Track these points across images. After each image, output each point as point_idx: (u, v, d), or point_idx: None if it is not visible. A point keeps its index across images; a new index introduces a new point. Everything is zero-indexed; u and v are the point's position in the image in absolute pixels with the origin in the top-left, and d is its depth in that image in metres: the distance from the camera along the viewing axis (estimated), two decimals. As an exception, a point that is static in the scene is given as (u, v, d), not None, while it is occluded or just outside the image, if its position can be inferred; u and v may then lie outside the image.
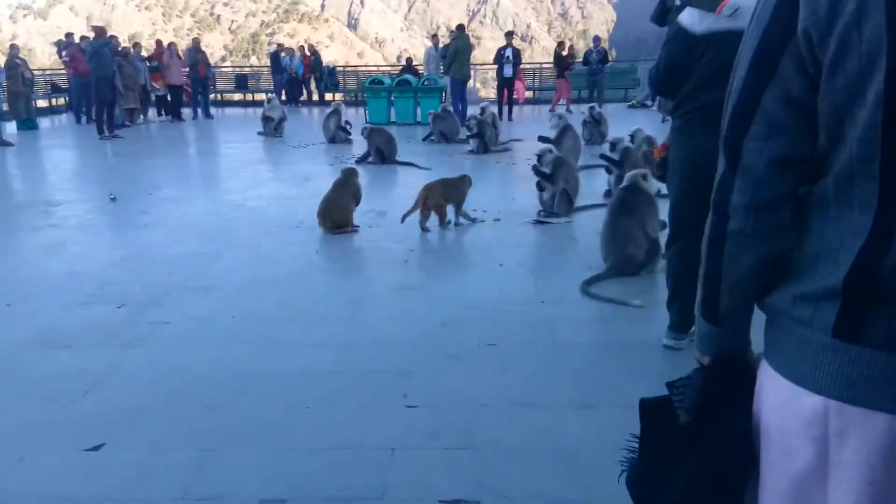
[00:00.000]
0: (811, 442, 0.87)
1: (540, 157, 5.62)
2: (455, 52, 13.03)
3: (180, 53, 14.98)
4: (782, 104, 0.85)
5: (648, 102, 16.20)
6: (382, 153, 8.62)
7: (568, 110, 15.41)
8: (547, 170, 5.57)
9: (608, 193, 6.38)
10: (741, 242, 0.92)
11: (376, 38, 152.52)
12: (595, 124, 9.92)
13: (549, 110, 15.65)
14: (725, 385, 1.04)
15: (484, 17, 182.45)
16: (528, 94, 17.57)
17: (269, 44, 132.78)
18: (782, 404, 0.91)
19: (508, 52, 14.15)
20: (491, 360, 3.04)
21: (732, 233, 0.92)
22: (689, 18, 2.66)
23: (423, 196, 5.24)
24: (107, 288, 4.10)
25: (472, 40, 13.59)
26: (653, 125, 11.54)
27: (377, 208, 6.04)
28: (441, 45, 15.30)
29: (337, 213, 5.17)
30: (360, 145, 10.32)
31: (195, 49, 14.64)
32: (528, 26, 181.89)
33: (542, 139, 8.23)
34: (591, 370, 2.94)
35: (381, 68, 29.57)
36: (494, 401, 2.68)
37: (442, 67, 14.96)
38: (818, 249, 0.87)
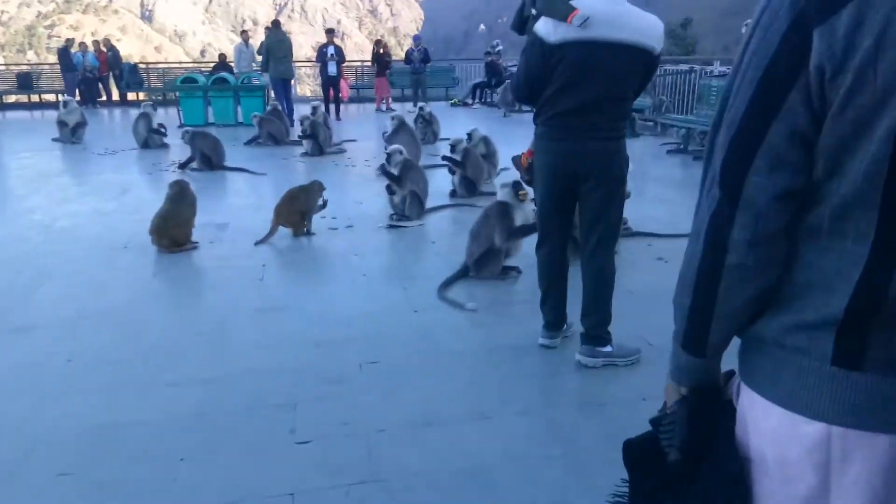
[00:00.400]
0: (813, 469, 0.89)
1: (388, 157, 5.54)
2: (268, 49, 12.49)
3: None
4: (788, 138, 0.86)
5: (469, 101, 16.81)
6: (209, 159, 8.01)
7: (389, 109, 15.51)
8: (395, 171, 5.52)
9: (454, 193, 6.50)
10: (742, 276, 0.92)
11: (175, 31, 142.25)
12: (426, 123, 10.05)
13: (377, 110, 15.70)
14: (709, 414, 1.05)
15: (292, 11, 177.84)
16: (353, 92, 17.38)
17: (50, 37, 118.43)
18: (779, 433, 0.92)
19: (331, 50, 13.87)
20: (377, 381, 2.92)
21: (732, 267, 0.92)
22: (545, 28, 2.74)
23: (276, 220, 5.07)
24: None
25: (286, 35, 13.00)
26: (484, 122, 11.98)
27: (215, 220, 5.60)
28: (251, 41, 14.64)
29: (175, 230, 4.70)
30: (178, 150, 9.55)
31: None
32: (339, 22, 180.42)
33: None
34: (479, 379, 2.93)
35: (188, 65, 27.59)
36: (390, 424, 2.57)
37: (255, 65, 14.33)
38: (809, 279, 0.89)
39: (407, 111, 15.08)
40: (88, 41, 17.56)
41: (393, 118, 8.37)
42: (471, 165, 6.42)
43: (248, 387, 2.88)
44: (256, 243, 4.97)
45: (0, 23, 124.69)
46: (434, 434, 2.50)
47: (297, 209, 5.14)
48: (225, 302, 3.85)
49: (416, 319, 3.58)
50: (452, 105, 16.53)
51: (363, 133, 11.33)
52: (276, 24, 12.90)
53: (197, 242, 4.89)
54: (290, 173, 8.08)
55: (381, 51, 15.47)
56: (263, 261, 4.60)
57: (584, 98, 2.74)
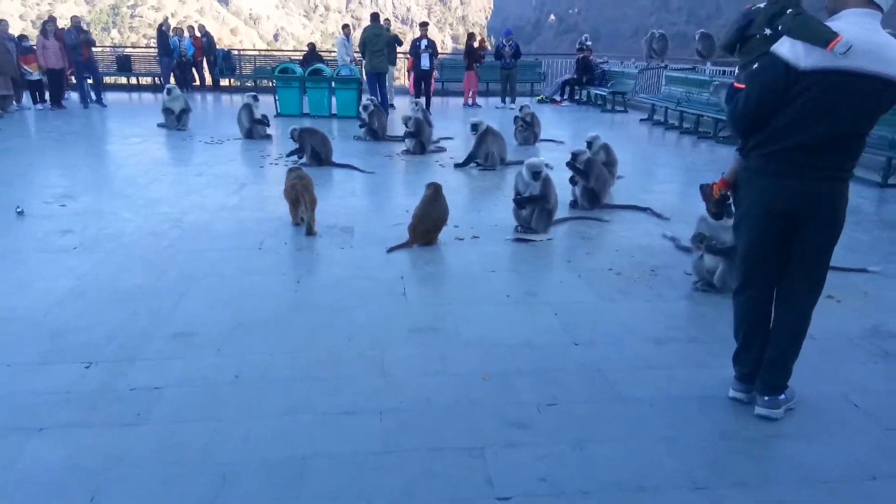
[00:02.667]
0: None
1: (535, 172, 5.31)
2: (364, 42, 12.47)
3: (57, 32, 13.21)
4: None
5: (557, 98, 16.44)
6: (319, 155, 7.99)
7: (474, 104, 15.31)
8: (537, 192, 5.31)
9: (574, 204, 6.26)
10: None
11: (250, 14, 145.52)
12: (527, 126, 9.79)
13: (464, 105, 15.52)
14: None
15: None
16: (437, 85, 17.25)
17: (132, 17, 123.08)
18: None
19: (425, 43, 13.75)
20: (562, 428, 2.73)
21: None
22: (792, 51, 2.46)
23: (413, 239, 5.06)
24: (61, 339, 3.37)
25: (383, 29, 12.90)
26: (582, 124, 11.65)
27: (340, 223, 5.54)
28: (351, 34, 14.65)
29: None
30: (281, 140, 9.62)
31: (76, 28, 12.97)
32: (408, 10, 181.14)
33: (463, 162, 8.00)
34: (675, 436, 2.70)
35: (278, 53, 28.00)
36: (594, 486, 2.37)
37: (348, 58, 14.33)
38: None
39: (495, 107, 14.94)
40: (186, 27, 17.93)
41: (477, 125, 8.13)
42: (595, 176, 6.16)
43: (429, 422, 2.74)
44: (389, 251, 4.87)
45: (86, 1, 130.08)
46: (649, 503, 2.30)
47: (433, 226, 5.04)
48: (375, 318, 3.73)
49: (580, 354, 3.38)
50: (540, 102, 16.20)
51: (457, 129, 11.16)
52: (374, 16, 12.84)
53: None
54: (397, 173, 8.00)
55: (476, 44, 15.24)
56: (400, 272, 4.48)
57: (824, 133, 2.48)
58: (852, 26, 2.40)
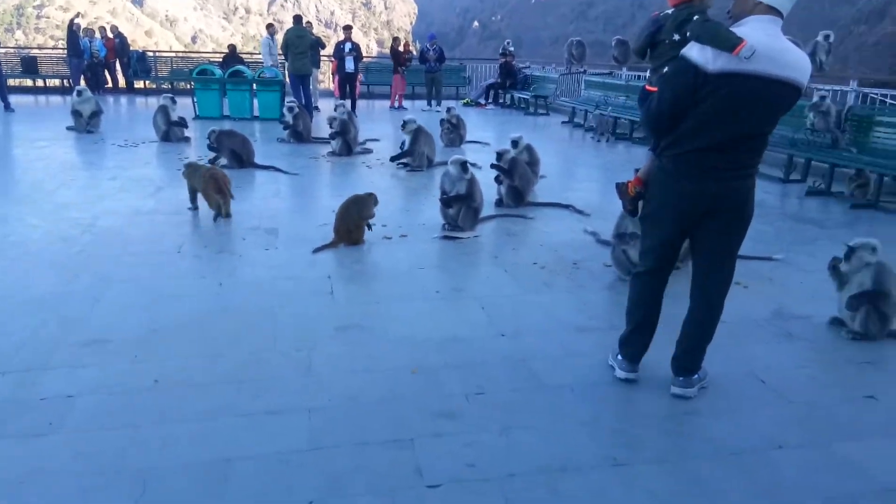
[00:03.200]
0: None
1: (462, 164, 5.37)
2: (287, 44, 12.27)
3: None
4: None
5: (482, 101, 16.67)
6: (240, 156, 7.80)
7: (401, 107, 15.35)
8: (463, 190, 5.37)
9: (500, 202, 6.37)
10: None
11: (166, 16, 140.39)
12: (453, 127, 9.89)
13: (391, 107, 15.52)
14: None
15: (286, 1, 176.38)
16: (363, 88, 17.17)
17: (38, 17, 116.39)
18: None
19: (349, 46, 13.67)
20: (489, 416, 2.78)
21: None
22: (701, 55, 2.58)
23: (337, 238, 4.99)
24: (-40, 352, 3.16)
25: (307, 31, 12.69)
26: (505, 126, 11.84)
27: (263, 225, 5.44)
28: (276, 35, 14.39)
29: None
30: (199, 143, 9.33)
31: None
32: (332, 13, 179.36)
33: (398, 155, 8.05)
34: (595, 418, 2.80)
35: (197, 55, 27.09)
36: (520, 470, 2.43)
37: (271, 59, 14.08)
38: None
39: (421, 110, 15.00)
40: (97, 28, 17.13)
41: (408, 122, 8.18)
42: (519, 175, 6.29)
43: (357, 418, 2.73)
44: (315, 251, 4.81)
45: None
46: (572, 483, 2.37)
47: (355, 224, 5.00)
48: (301, 318, 3.68)
49: (506, 346, 3.44)
50: (465, 105, 16.38)
51: (383, 132, 11.15)
52: (297, 19, 12.66)
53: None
54: (323, 174, 7.91)
55: (401, 48, 15.30)
56: (327, 272, 4.44)
57: (730, 134, 2.61)
58: (756, 32, 2.53)
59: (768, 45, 2.51)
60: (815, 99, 7.70)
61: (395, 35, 18.84)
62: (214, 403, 2.80)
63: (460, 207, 5.41)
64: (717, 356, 3.20)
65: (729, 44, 2.51)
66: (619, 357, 3.10)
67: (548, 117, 14.50)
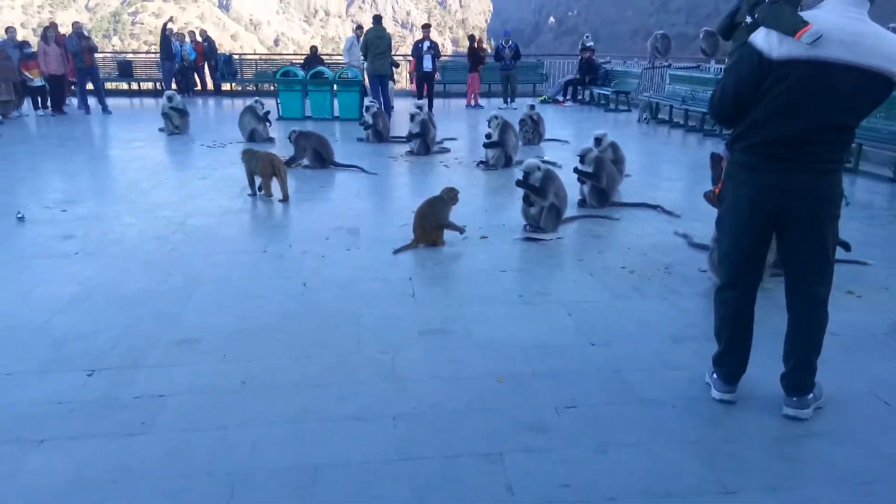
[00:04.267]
0: None
1: (527, 174, 5.21)
2: (366, 44, 12.35)
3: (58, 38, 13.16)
4: None
5: (560, 98, 16.36)
6: (320, 155, 7.91)
7: (477, 105, 15.24)
8: (538, 184, 5.21)
9: (583, 203, 6.16)
10: None
11: (251, 19, 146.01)
12: (533, 125, 9.70)
13: (467, 106, 15.46)
14: None
15: (363, 2, 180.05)
16: (438, 87, 17.18)
17: (133, 24, 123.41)
18: None
19: (427, 45, 13.69)
20: (582, 431, 2.63)
21: None
22: (766, 41, 2.37)
23: (417, 238, 4.95)
24: (63, 346, 3.27)
25: (385, 31, 12.73)
26: (586, 123, 11.59)
27: (346, 225, 5.45)
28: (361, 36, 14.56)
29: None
30: (283, 144, 9.53)
31: (77, 34, 12.90)
32: (408, 13, 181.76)
33: (488, 143, 7.93)
34: (700, 439, 2.61)
35: (279, 56, 27.95)
36: (619, 493, 2.26)
37: (356, 60, 14.25)
38: None
39: (498, 108, 14.84)
40: (187, 32, 17.89)
41: (496, 118, 8.03)
42: (605, 175, 6.06)
43: (443, 427, 2.64)
44: (395, 252, 4.78)
45: (87, 8, 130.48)
46: (677, 506, 2.20)
47: (433, 225, 4.93)
48: (384, 321, 3.63)
49: (597, 355, 3.28)
50: (542, 102, 16.09)
51: (459, 131, 11.08)
52: (377, 19, 12.75)
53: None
54: (402, 174, 7.92)
55: (477, 46, 15.21)
56: (408, 273, 4.39)
57: (803, 126, 2.38)
58: (832, 14, 2.32)
59: (844, 28, 2.28)
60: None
61: (471, 33, 18.71)
62: (301, 406, 2.78)
63: (542, 208, 5.25)
64: (832, 374, 2.93)
65: (792, 28, 2.29)
66: (715, 376, 2.87)
67: (629, 114, 14.05)
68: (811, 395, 2.70)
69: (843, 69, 2.28)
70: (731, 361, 2.82)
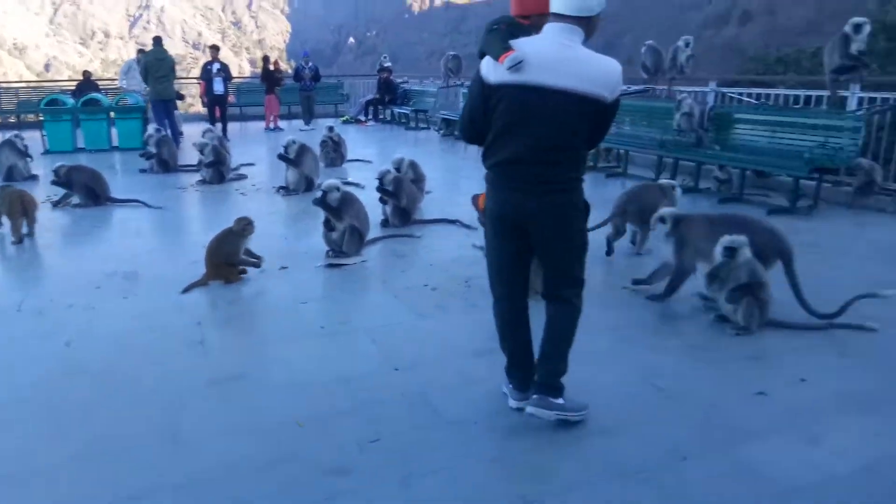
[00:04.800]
0: None
1: (325, 193, 5.06)
2: (146, 67, 11.41)
3: None
4: None
5: (361, 118, 16.41)
6: (93, 191, 7.08)
7: (276, 128, 14.81)
8: (334, 203, 5.07)
9: (386, 223, 6.13)
10: None
11: (14, 44, 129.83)
12: (335, 145, 9.57)
13: (266, 129, 14.92)
14: None
15: (148, 22, 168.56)
16: (234, 110, 16.43)
17: None
18: None
19: (216, 66, 13.00)
20: (387, 466, 2.53)
21: None
22: (486, 67, 2.54)
23: (209, 273, 4.61)
24: None
25: (167, 53, 11.79)
26: (388, 143, 11.68)
27: (121, 269, 4.89)
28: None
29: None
30: (47, 180, 8.45)
31: None
32: (200, 34, 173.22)
33: (281, 157, 7.67)
34: (501, 455, 2.62)
35: (47, 84, 24.98)
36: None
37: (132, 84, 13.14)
38: None
39: (299, 129, 14.52)
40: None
41: (294, 143, 7.80)
42: (406, 195, 6.09)
43: (236, 491, 2.39)
44: (183, 291, 4.37)
45: None
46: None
47: (224, 258, 4.60)
48: (167, 376, 3.26)
49: (401, 380, 3.20)
50: (344, 122, 16.05)
51: (257, 155, 10.62)
52: (157, 40, 11.84)
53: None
54: (192, 205, 7.36)
55: (274, 67, 14.78)
56: (197, 317, 4.02)
57: (526, 146, 2.51)
58: (543, 41, 2.48)
59: (547, 54, 2.43)
60: (681, 101, 8.08)
61: (265, 54, 18.18)
62: (58, 496, 2.36)
63: (343, 231, 5.12)
64: (610, 365, 3.14)
65: (496, 54, 2.46)
66: (511, 386, 2.92)
67: (428, 131, 14.46)
68: (560, 400, 2.70)
69: (549, 92, 2.41)
70: (517, 371, 2.88)
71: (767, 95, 8.77)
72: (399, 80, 17.21)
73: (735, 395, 3.03)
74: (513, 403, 2.88)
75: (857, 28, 6.81)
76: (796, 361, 3.31)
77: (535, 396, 2.72)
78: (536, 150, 2.50)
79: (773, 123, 7.27)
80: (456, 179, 8.98)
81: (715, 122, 8.01)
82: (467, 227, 6.01)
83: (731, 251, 3.67)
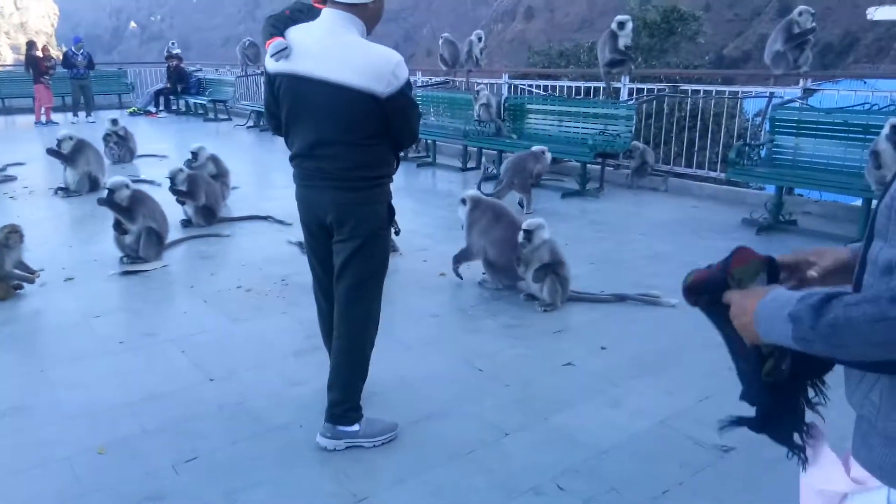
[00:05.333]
0: None
1: (111, 191, 4.58)
2: None
3: None
4: None
5: (151, 109, 15.14)
6: None
7: (49, 121, 13.18)
8: (125, 205, 4.61)
9: (188, 223, 5.71)
10: None
11: None
12: (121, 140, 8.71)
13: (36, 122, 13.18)
14: None
15: None
16: (-6, 102, 14.29)
17: None
18: None
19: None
20: (207, 483, 2.37)
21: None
22: (269, 53, 2.39)
23: None
24: None
25: None
26: (187, 134, 10.86)
27: None
28: None
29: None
30: None
31: None
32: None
33: (51, 152, 6.86)
34: (323, 458, 2.58)
35: None
36: (253, 535, 2.09)
37: None
38: None
39: (71, 122, 13.00)
40: None
41: (70, 138, 6.99)
42: (204, 192, 5.71)
43: None
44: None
45: None
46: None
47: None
48: None
49: (217, 390, 3.01)
50: (132, 114, 14.71)
51: (28, 153, 9.33)
52: None
53: None
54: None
55: (42, 54, 13.05)
56: None
57: (307, 139, 2.36)
58: (314, 28, 2.33)
59: (316, 42, 2.29)
60: (478, 92, 8.48)
61: (30, 39, 16.03)
62: None
63: (139, 234, 4.68)
64: (438, 352, 3.21)
65: (264, 40, 2.43)
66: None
67: (229, 122, 13.71)
68: (354, 427, 2.53)
69: (315, 83, 2.25)
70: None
71: (554, 87, 9.51)
72: (192, 69, 16.10)
73: (546, 368, 3.26)
74: None
75: (622, 25, 7.62)
76: (596, 332, 3.65)
77: (325, 425, 2.55)
78: (319, 145, 2.34)
79: (560, 113, 7.91)
80: (265, 173, 8.63)
81: (510, 112, 8.52)
82: (280, 222, 5.80)
83: (528, 234, 3.93)
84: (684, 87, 8.17)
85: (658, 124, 7.88)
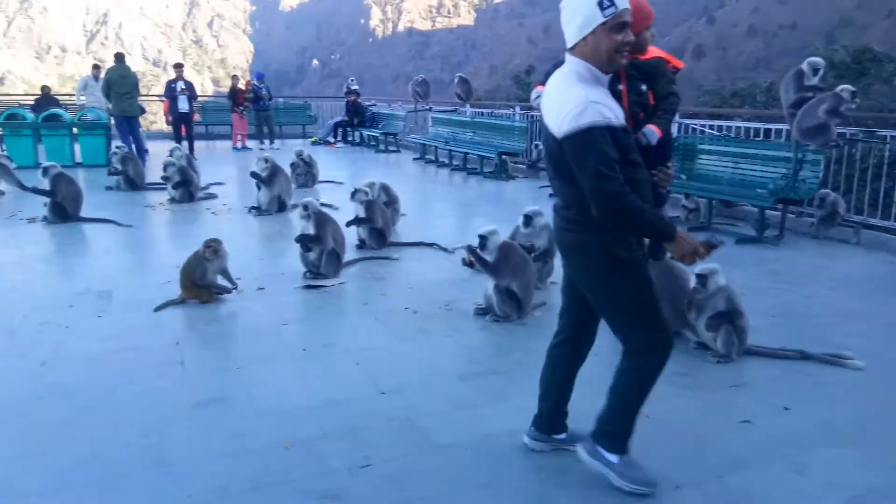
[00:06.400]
0: None
1: (307, 214, 5.04)
2: (109, 84, 11.11)
3: None
4: None
5: (331, 139, 16.40)
6: (65, 209, 6.89)
7: (244, 147, 14.71)
8: (312, 230, 5.04)
9: (362, 244, 6.10)
10: None
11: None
12: (307, 167, 9.53)
13: (234, 148, 14.78)
14: None
15: (106, 38, 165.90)
16: (200, 128, 16.27)
17: None
18: None
19: (181, 85, 12.86)
20: (379, 490, 2.49)
21: None
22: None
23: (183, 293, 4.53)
24: None
25: (129, 69, 11.48)
26: (359, 164, 11.71)
27: (94, 287, 4.75)
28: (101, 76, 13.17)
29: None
30: (16, 195, 8.22)
31: None
32: (160, 51, 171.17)
33: (254, 175, 7.61)
34: (493, 480, 2.61)
35: (13, 97, 24.32)
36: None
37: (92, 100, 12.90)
38: None
39: (259, 148, 14.43)
40: None
41: (265, 161, 7.75)
42: (379, 217, 6.08)
43: None
44: (157, 309, 4.27)
45: None
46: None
47: (197, 279, 4.51)
48: (146, 397, 3.16)
49: (388, 404, 3.17)
50: (313, 143, 16.03)
51: (226, 174, 10.49)
52: (119, 57, 11.60)
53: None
54: (162, 224, 7.21)
55: (245, 87, 14.80)
56: (175, 337, 3.92)
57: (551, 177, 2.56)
58: (556, 76, 2.43)
59: (549, 88, 2.41)
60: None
61: (234, 73, 18.11)
62: (41, 522, 2.26)
63: (321, 252, 5.09)
64: (599, 394, 3.15)
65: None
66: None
67: (399, 154, 14.51)
68: (610, 455, 2.59)
69: (545, 126, 2.38)
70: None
71: (729, 128, 9.06)
72: (367, 103, 17.29)
73: (721, 423, 3.07)
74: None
75: (815, 70, 7.06)
76: (777, 389, 3.39)
77: (587, 437, 2.62)
78: (551, 183, 2.55)
79: (736, 155, 7.51)
80: (429, 202, 9.01)
81: (681, 152, 8.23)
82: (444, 249, 6.02)
83: (702, 278, 3.76)
84: (882, 132, 7.44)
85: (848, 171, 7.23)
